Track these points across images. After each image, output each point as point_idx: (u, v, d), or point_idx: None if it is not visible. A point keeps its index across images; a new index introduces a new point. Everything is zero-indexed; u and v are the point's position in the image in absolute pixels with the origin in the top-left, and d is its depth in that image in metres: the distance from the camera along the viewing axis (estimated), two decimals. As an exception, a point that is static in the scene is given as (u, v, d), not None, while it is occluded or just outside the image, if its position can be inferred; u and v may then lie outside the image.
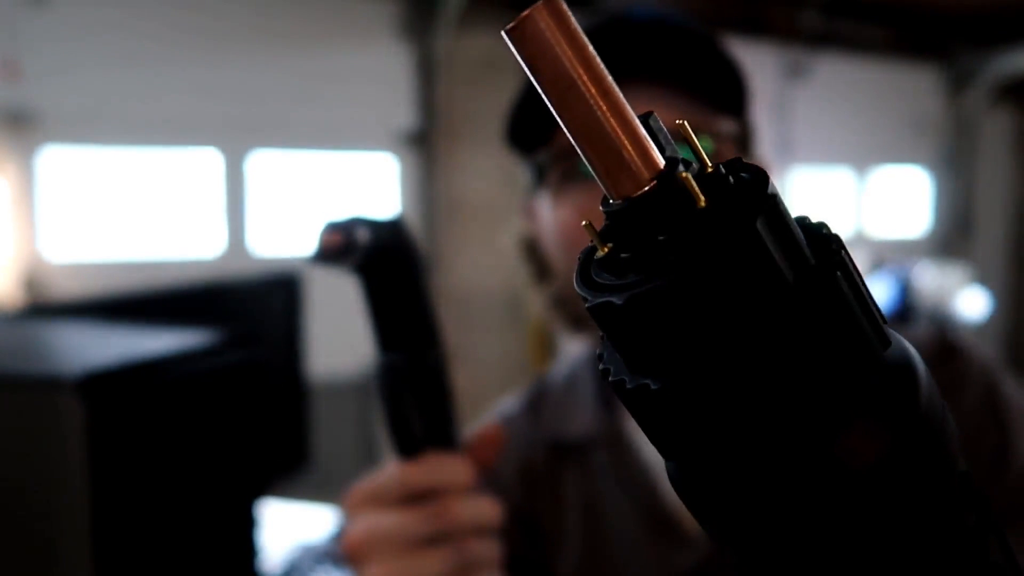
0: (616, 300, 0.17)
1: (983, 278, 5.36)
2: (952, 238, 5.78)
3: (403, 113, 3.93)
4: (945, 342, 0.64)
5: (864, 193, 5.52)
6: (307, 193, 3.76)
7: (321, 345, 2.52)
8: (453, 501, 0.45)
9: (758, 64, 4.46)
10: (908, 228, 5.79)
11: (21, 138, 3.13)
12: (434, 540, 0.44)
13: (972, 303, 4.98)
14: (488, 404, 0.78)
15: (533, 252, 0.69)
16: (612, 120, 0.17)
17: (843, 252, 0.18)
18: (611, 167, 0.18)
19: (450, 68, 3.91)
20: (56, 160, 3.24)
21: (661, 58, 0.58)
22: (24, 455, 0.60)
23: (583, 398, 0.70)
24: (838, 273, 0.17)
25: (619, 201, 0.18)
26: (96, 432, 0.59)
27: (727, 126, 0.60)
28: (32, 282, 3.12)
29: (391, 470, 0.46)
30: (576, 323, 0.67)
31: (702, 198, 0.17)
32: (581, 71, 0.17)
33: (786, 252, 0.17)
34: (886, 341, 0.19)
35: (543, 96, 0.17)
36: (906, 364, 0.19)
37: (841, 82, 5.20)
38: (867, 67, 5.32)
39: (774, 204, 0.17)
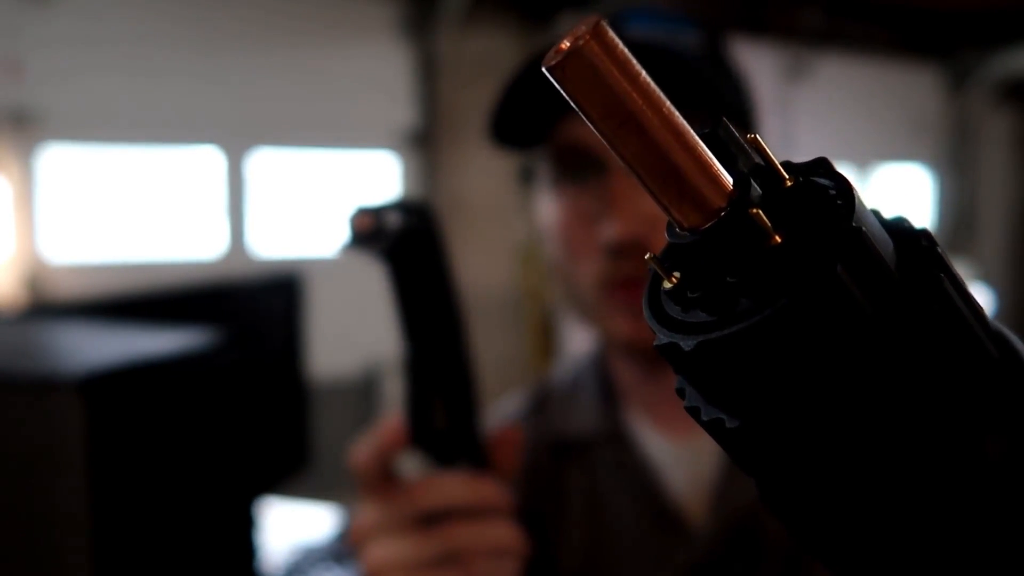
0: (684, 346, 0.16)
1: (986, 275, 5.36)
2: (954, 236, 5.78)
3: (404, 112, 3.93)
4: None
5: (866, 191, 5.52)
6: (308, 192, 3.76)
7: (322, 345, 2.52)
8: (464, 525, 0.44)
9: (759, 63, 4.45)
10: (910, 227, 5.78)
11: (22, 137, 3.13)
12: (446, 561, 0.44)
13: (974, 302, 4.98)
14: (489, 403, 0.79)
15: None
16: (675, 150, 0.16)
17: (937, 248, 0.17)
18: (675, 199, 0.16)
19: (452, 67, 3.91)
20: (57, 159, 3.24)
21: (653, 78, 0.58)
22: (24, 455, 0.60)
23: (586, 397, 0.70)
24: (942, 275, 0.16)
25: (685, 232, 0.16)
26: (96, 432, 0.59)
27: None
28: (33, 282, 3.13)
29: (411, 490, 0.45)
30: (584, 315, 0.67)
31: (775, 236, 0.16)
32: (640, 103, 0.15)
33: (874, 280, 0.15)
34: (995, 337, 0.17)
35: (594, 131, 0.16)
36: (1019, 364, 0.17)
37: (842, 81, 5.20)
38: (868, 66, 5.31)
39: (858, 238, 0.15)
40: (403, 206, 0.42)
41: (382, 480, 0.46)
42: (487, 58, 3.87)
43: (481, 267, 3.87)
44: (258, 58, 3.55)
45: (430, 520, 0.45)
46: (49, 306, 1.80)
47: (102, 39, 3.24)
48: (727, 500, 0.61)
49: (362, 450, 0.46)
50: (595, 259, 0.59)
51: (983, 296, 5.03)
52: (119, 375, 0.62)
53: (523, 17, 4.02)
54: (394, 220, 0.41)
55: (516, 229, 3.87)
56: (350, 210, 0.42)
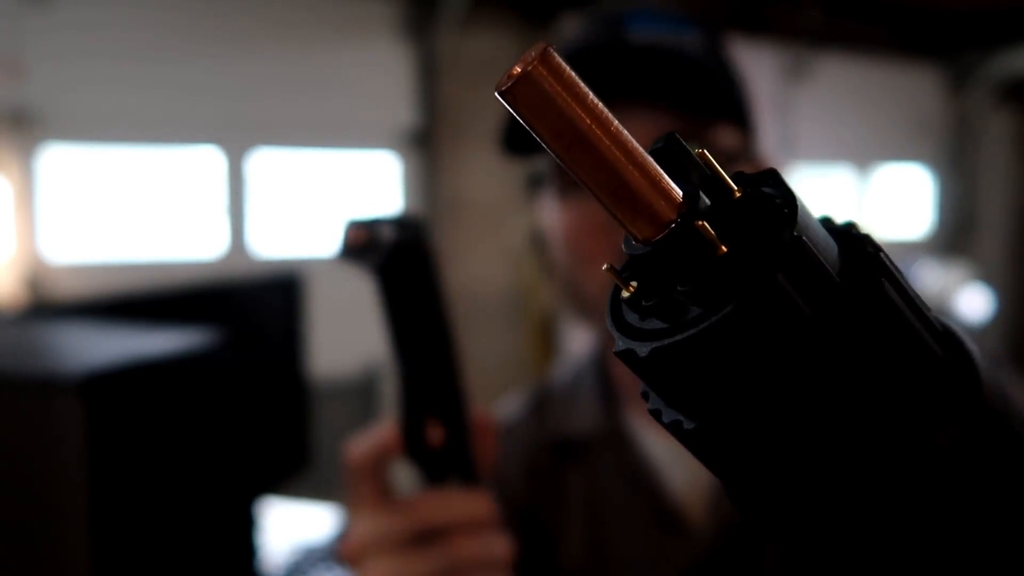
0: (639, 352, 0.17)
1: (986, 276, 5.35)
2: (954, 236, 5.78)
3: (405, 112, 3.93)
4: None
5: (866, 192, 5.52)
6: (309, 192, 3.76)
7: (322, 345, 2.52)
8: (462, 539, 0.44)
9: (759, 63, 4.45)
10: (910, 227, 5.78)
11: (23, 137, 3.13)
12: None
13: (975, 301, 4.98)
14: (489, 403, 0.79)
15: (543, 245, 0.70)
16: (624, 166, 0.16)
17: (881, 254, 0.17)
18: (627, 212, 0.17)
19: (452, 67, 3.91)
20: (57, 159, 3.24)
21: (653, 81, 0.59)
22: (24, 455, 0.60)
23: (585, 397, 0.70)
24: (884, 280, 0.17)
25: (639, 244, 0.17)
26: (96, 432, 0.59)
27: (726, 134, 0.60)
28: (33, 282, 3.13)
29: (396, 512, 0.45)
30: (583, 314, 0.67)
31: (721, 246, 0.16)
32: (588, 122, 0.16)
33: (816, 286, 0.16)
34: (940, 336, 0.18)
35: (548, 150, 0.17)
36: (967, 361, 0.18)
37: (842, 81, 5.19)
38: (868, 66, 5.31)
39: (799, 247, 0.16)
40: (397, 220, 0.41)
41: (374, 484, 0.46)
42: (487, 58, 3.87)
43: (481, 267, 3.87)
44: (258, 58, 3.55)
45: (425, 536, 0.45)
46: (49, 306, 1.80)
47: (102, 39, 3.24)
48: (726, 499, 0.61)
49: (358, 448, 0.46)
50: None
51: (982, 296, 5.03)
52: (119, 375, 0.62)
53: (523, 17, 4.02)
54: (387, 234, 0.41)
55: (516, 229, 3.87)
56: (343, 222, 0.41)
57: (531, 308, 4.07)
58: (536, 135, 0.16)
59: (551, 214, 0.65)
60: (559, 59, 0.16)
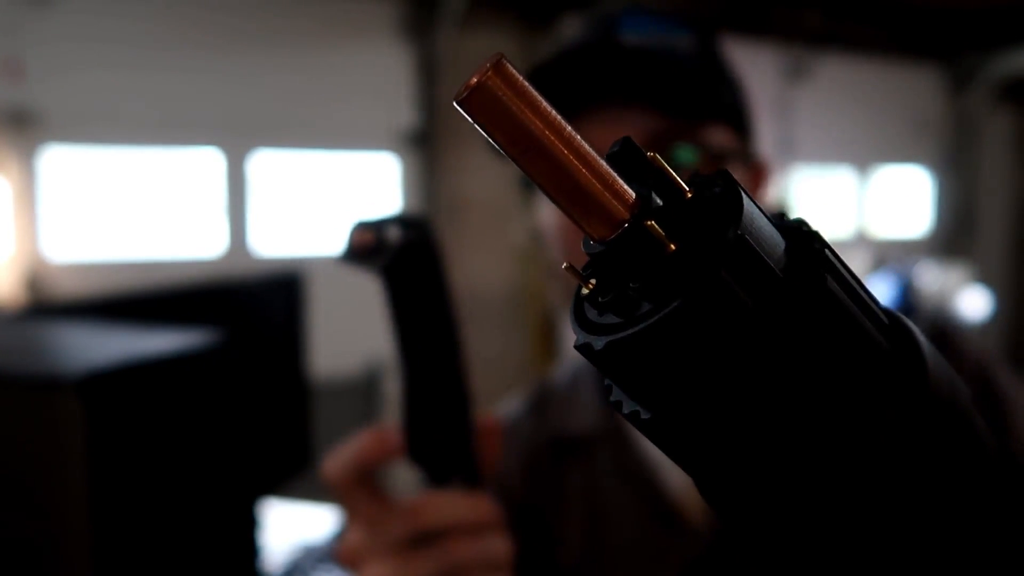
0: (595, 345, 0.18)
1: (985, 277, 5.35)
2: (954, 237, 5.78)
3: (404, 113, 3.93)
4: (939, 330, 0.65)
5: (866, 193, 5.52)
6: (309, 193, 3.76)
7: (323, 344, 2.52)
8: (462, 541, 0.44)
9: (759, 64, 4.46)
10: (910, 227, 5.79)
11: (23, 137, 3.13)
12: None
13: (974, 302, 4.98)
14: (489, 404, 0.79)
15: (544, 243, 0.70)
16: (578, 169, 0.17)
17: (826, 250, 0.18)
18: (583, 214, 0.18)
19: (451, 68, 3.91)
20: (58, 160, 3.24)
21: (642, 82, 0.59)
22: (24, 455, 0.60)
23: (585, 396, 0.70)
24: (827, 275, 0.18)
25: (596, 242, 0.18)
26: (96, 432, 0.59)
27: (717, 134, 0.60)
28: (33, 282, 3.13)
29: (398, 511, 0.45)
30: None
31: (670, 245, 0.17)
32: (541, 128, 0.17)
33: (759, 282, 0.17)
34: (887, 328, 0.19)
35: (504, 155, 0.17)
36: (913, 352, 0.19)
37: (842, 82, 5.20)
38: (868, 67, 5.32)
39: (742, 244, 0.17)
40: (403, 220, 0.41)
41: (364, 493, 0.45)
42: (487, 58, 3.88)
43: (481, 267, 3.87)
44: (258, 59, 3.55)
45: (424, 538, 0.44)
46: (49, 306, 1.80)
47: (102, 39, 3.24)
48: None
49: (335, 463, 0.46)
50: None
51: (981, 296, 5.03)
52: (118, 375, 0.62)
53: (523, 18, 4.02)
54: (394, 235, 0.40)
55: (516, 229, 3.87)
56: (349, 225, 0.41)
57: (531, 308, 4.07)
58: (493, 142, 0.17)
59: (546, 214, 0.65)
60: (512, 68, 0.17)
